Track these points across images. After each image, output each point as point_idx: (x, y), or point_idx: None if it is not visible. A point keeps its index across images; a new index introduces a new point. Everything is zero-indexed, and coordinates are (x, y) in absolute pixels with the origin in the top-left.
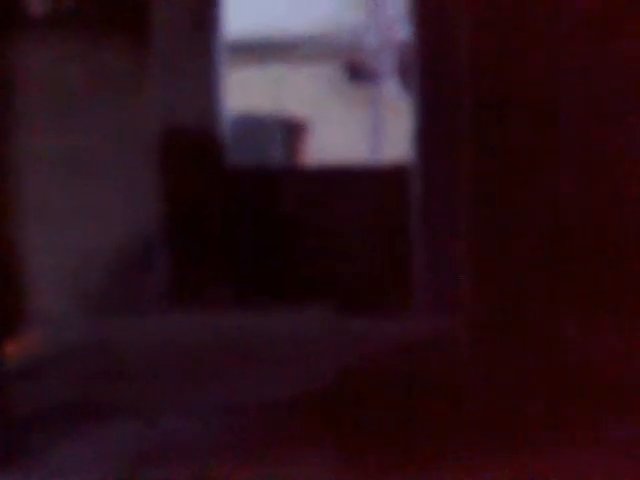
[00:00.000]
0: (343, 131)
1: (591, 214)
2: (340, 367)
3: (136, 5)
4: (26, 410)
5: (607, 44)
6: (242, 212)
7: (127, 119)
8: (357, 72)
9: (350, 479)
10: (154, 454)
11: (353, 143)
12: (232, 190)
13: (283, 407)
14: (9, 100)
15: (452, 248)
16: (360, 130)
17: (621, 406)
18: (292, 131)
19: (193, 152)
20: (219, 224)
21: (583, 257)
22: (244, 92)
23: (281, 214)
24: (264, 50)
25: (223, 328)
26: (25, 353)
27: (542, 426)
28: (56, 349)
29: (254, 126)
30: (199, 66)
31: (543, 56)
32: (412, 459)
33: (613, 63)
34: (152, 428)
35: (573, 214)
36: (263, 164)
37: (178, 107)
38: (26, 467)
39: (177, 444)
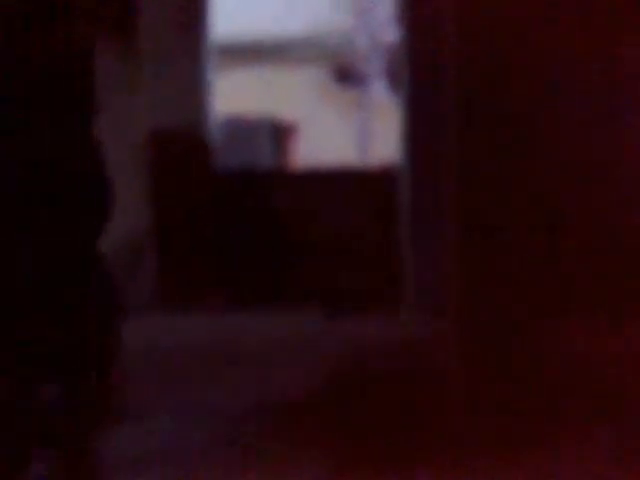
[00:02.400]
0: (332, 133)
1: (585, 213)
2: (332, 369)
3: (124, 8)
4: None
5: (599, 49)
6: (231, 215)
7: (116, 122)
8: (346, 75)
9: None
10: (146, 457)
11: (342, 145)
12: (221, 193)
13: (277, 410)
14: None
15: (441, 249)
16: (349, 132)
17: (618, 407)
18: (281, 133)
19: (182, 155)
20: (208, 227)
21: (578, 257)
22: (233, 95)
23: (270, 216)
24: (252, 53)
25: (213, 331)
26: None
27: (537, 427)
28: None
29: (243, 129)
30: (188, 69)
31: (532, 59)
32: (404, 460)
33: (605, 68)
34: (142, 431)
35: (564, 214)
36: (252, 167)
37: (167, 110)
38: None
39: (169, 447)
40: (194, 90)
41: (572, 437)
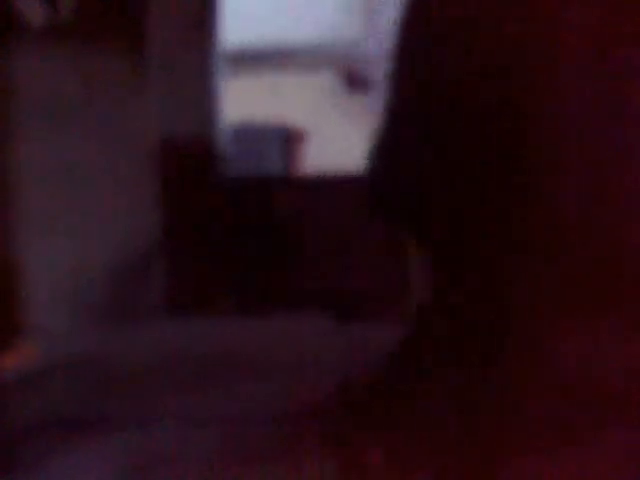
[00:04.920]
0: (341, 140)
1: (590, 216)
2: (341, 375)
3: (133, 15)
4: (24, 423)
5: (604, 58)
6: (240, 221)
7: (124, 130)
8: (355, 81)
9: None
10: (153, 466)
11: (351, 151)
12: (230, 199)
13: (284, 417)
14: (5, 111)
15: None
16: (358, 138)
17: (620, 412)
18: (290, 140)
19: (191, 162)
20: (217, 233)
21: (584, 261)
22: (242, 102)
23: (279, 222)
24: (261, 59)
25: (222, 338)
26: (22, 366)
27: (542, 431)
28: (53, 361)
29: (252, 135)
30: (197, 76)
31: (538, 62)
32: (413, 468)
33: (610, 75)
34: (151, 439)
35: (572, 217)
36: (261, 173)
37: (176, 117)
38: None
39: (176, 456)
40: (203, 97)
41: (571, 442)
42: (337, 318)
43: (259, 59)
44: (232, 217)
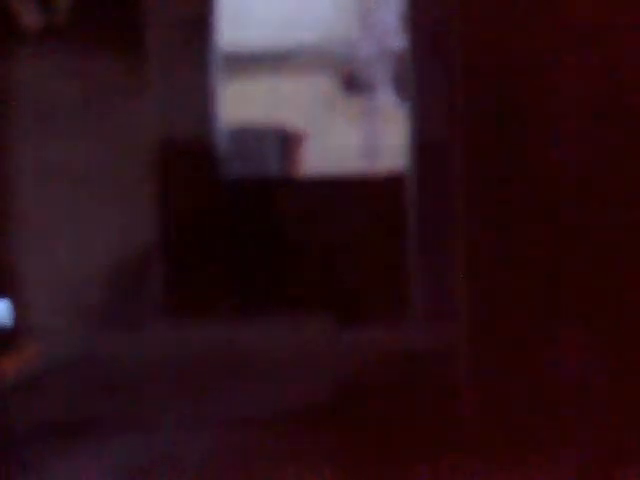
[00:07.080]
0: (339, 141)
1: (592, 218)
2: (340, 378)
3: (131, 19)
4: (24, 425)
5: (602, 56)
6: (239, 223)
7: (124, 132)
8: (352, 82)
9: None
10: (151, 468)
11: (349, 152)
12: (229, 201)
13: (282, 420)
14: (3, 114)
15: (449, 256)
16: (356, 139)
17: (618, 416)
18: (288, 142)
19: (190, 164)
20: (217, 236)
21: (584, 265)
22: (240, 104)
23: (278, 224)
24: (259, 62)
25: (221, 341)
26: (23, 368)
27: (541, 436)
28: (53, 363)
29: (250, 137)
30: (195, 79)
31: (538, 63)
32: (411, 471)
33: (611, 72)
34: (150, 442)
35: (573, 219)
36: (260, 175)
37: (175, 120)
38: None
39: (175, 459)
40: (202, 99)
41: (571, 448)
42: (337, 318)
43: (257, 61)
44: (231, 218)
